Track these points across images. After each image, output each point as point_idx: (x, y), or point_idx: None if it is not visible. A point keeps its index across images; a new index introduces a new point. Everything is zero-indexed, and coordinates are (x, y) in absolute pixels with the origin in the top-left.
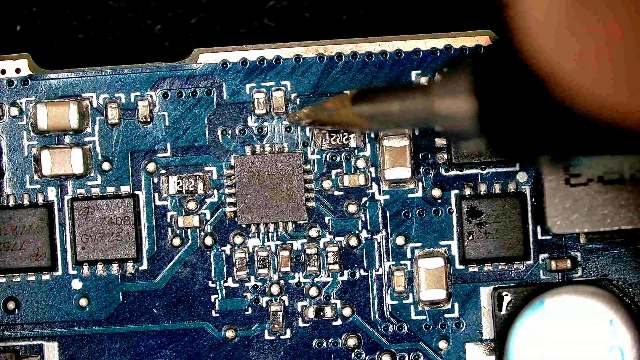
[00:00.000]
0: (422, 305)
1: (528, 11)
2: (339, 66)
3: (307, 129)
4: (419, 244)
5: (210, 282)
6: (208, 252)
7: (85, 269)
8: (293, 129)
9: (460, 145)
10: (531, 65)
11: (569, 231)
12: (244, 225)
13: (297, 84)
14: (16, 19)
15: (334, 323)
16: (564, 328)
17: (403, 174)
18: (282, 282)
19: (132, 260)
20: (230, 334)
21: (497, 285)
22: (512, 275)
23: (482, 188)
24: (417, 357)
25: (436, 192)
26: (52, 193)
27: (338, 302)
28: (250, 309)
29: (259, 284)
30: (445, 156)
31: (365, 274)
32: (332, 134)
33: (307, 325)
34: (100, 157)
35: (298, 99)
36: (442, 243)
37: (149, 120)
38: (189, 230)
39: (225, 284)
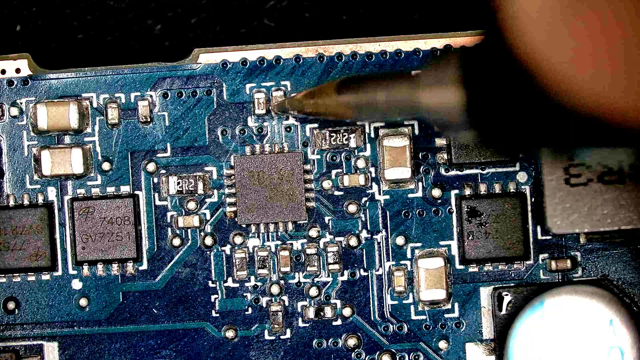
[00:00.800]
0: (422, 305)
1: (520, 5)
2: (339, 66)
3: (307, 129)
4: (419, 244)
5: (210, 282)
6: (208, 252)
7: (85, 269)
8: (293, 129)
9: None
10: (521, 58)
11: (569, 231)
12: (244, 225)
13: (297, 84)
14: (16, 19)
15: (334, 323)
16: (564, 328)
17: (403, 174)
18: (282, 282)
19: (132, 260)
20: (230, 334)
21: (497, 285)
22: (512, 275)
23: (482, 188)
24: (417, 357)
25: (436, 192)
26: (52, 193)
27: (338, 302)
28: (250, 309)
29: (259, 284)
30: (445, 156)
31: (365, 274)
32: (332, 134)
33: (307, 325)
34: (100, 157)
35: None
36: (442, 243)
37: (149, 120)
38: (189, 230)
39: (225, 284)
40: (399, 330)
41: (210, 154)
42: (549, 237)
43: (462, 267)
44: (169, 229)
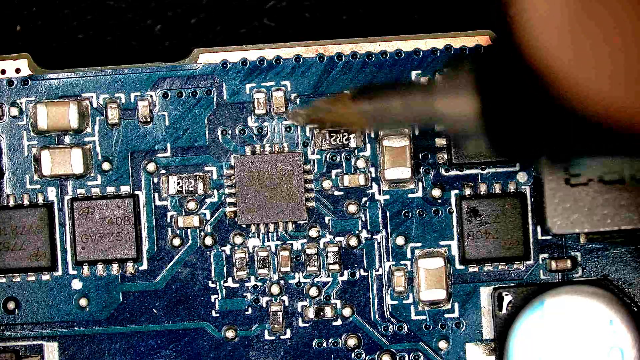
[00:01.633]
0: (422, 305)
1: (531, 8)
2: (339, 66)
3: (307, 129)
4: (419, 244)
5: (210, 282)
6: (208, 252)
7: (85, 269)
8: (293, 128)
9: (461, 144)
10: (533, 63)
11: (569, 231)
12: (244, 226)
13: (297, 84)
14: (16, 19)
15: (334, 323)
16: (564, 328)
17: (403, 174)
18: (282, 282)
19: (132, 260)
20: (230, 334)
21: (497, 285)
22: (512, 275)
23: (482, 188)
24: (417, 357)
25: (436, 192)
26: (52, 193)
27: (338, 302)
28: (250, 309)
29: (259, 284)
30: (445, 156)
31: (365, 274)
32: (332, 134)
33: (307, 325)
34: (100, 157)
35: (298, 99)
36: (442, 243)
37: (149, 120)
38: (189, 230)
39: (225, 284)
40: (399, 330)
41: (210, 154)
42: (549, 237)
43: (462, 267)
44: (169, 229)
